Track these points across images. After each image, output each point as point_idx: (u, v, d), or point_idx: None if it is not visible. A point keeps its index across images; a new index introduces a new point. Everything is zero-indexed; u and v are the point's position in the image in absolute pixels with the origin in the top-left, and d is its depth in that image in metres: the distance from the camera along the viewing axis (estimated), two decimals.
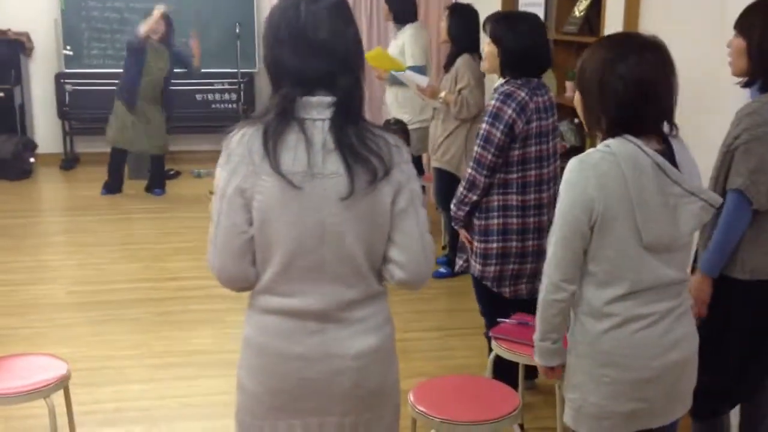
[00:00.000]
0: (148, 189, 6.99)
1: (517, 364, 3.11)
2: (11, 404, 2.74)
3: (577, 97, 2.07)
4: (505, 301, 3.26)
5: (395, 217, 1.74)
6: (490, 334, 3.09)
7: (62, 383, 2.76)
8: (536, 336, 2.13)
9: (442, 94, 4.61)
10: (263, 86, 8.20)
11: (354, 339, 1.77)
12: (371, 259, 1.76)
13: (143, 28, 6.42)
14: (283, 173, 1.65)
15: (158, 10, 6.49)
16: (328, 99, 1.70)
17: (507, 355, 2.97)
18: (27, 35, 7.73)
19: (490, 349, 3.10)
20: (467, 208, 3.20)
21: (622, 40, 2.05)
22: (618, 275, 1.97)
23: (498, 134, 3.04)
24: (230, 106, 7.99)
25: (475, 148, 3.12)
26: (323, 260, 1.72)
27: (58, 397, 2.78)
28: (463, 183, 3.20)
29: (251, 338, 1.81)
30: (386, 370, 1.85)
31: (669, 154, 1.97)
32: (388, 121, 5.64)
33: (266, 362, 1.78)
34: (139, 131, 6.65)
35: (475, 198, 3.16)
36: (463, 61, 4.58)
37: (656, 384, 2.01)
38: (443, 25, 4.79)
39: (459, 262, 3.46)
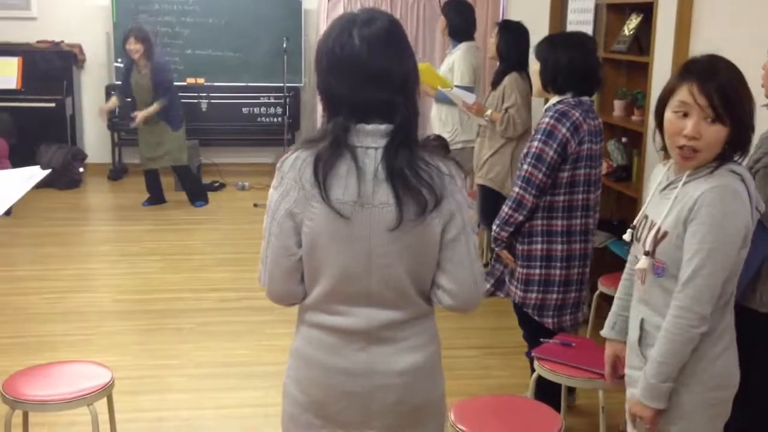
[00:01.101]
0: (191, 201, 7.08)
1: (559, 385, 3.06)
2: (55, 411, 2.79)
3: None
4: (547, 330, 3.19)
5: (445, 246, 1.73)
6: (533, 354, 3.05)
7: (106, 391, 2.79)
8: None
9: (488, 112, 4.58)
10: (308, 101, 8.28)
11: (399, 356, 1.77)
12: (419, 286, 1.76)
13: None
14: (332, 203, 1.65)
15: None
16: (383, 127, 1.68)
17: (550, 376, 2.93)
18: (79, 47, 7.91)
19: (533, 369, 3.05)
20: (511, 229, 3.12)
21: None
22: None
23: (551, 153, 2.99)
24: (275, 119, 8.06)
25: (524, 166, 3.05)
26: (370, 287, 1.72)
27: (101, 405, 2.82)
28: (508, 202, 3.13)
29: (299, 349, 1.83)
30: (431, 387, 1.84)
31: None
32: (428, 137, 5.61)
33: (312, 374, 1.80)
34: (150, 148, 6.76)
35: (520, 219, 3.09)
36: (510, 79, 4.55)
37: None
38: (492, 41, 4.75)
39: (486, 286, 3.40)
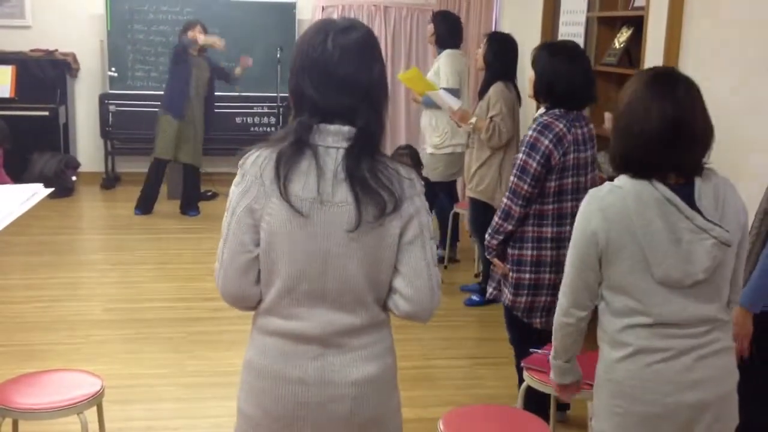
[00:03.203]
0: (183, 210, 7.07)
1: (548, 395, 3.07)
2: (45, 419, 2.77)
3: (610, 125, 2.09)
4: (535, 331, 3.24)
5: (402, 249, 1.74)
6: (523, 364, 3.07)
7: (96, 400, 2.79)
8: (551, 354, 2.24)
9: (473, 120, 4.62)
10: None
11: (353, 366, 1.76)
12: (375, 289, 1.76)
13: (200, 39, 6.61)
14: (291, 200, 1.67)
15: (220, 41, 6.77)
16: (346, 129, 1.71)
17: (539, 386, 2.94)
18: (73, 56, 7.92)
19: (521, 380, 3.07)
20: (501, 238, 3.19)
21: (661, 78, 2.00)
22: (633, 306, 1.98)
23: (534, 164, 3.04)
24: (269, 129, 8.07)
25: (512, 177, 3.11)
26: (325, 287, 1.72)
27: (91, 414, 2.81)
28: (498, 213, 3.20)
29: (252, 360, 1.82)
30: (385, 400, 1.83)
31: (687, 189, 1.94)
32: (399, 147, 5.64)
33: (264, 385, 1.78)
34: (187, 142, 6.80)
35: (510, 228, 3.15)
36: (496, 89, 4.59)
37: (668, 422, 1.97)
38: (480, 51, 4.82)
39: (489, 290, 3.45)
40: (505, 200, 3.15)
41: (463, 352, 4.34)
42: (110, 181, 8.05)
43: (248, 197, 1.71)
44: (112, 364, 4.01)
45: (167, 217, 6.97)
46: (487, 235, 3.26)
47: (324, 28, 1.73)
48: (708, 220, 1.91)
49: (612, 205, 1.96)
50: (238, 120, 8.10)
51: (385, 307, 1.81)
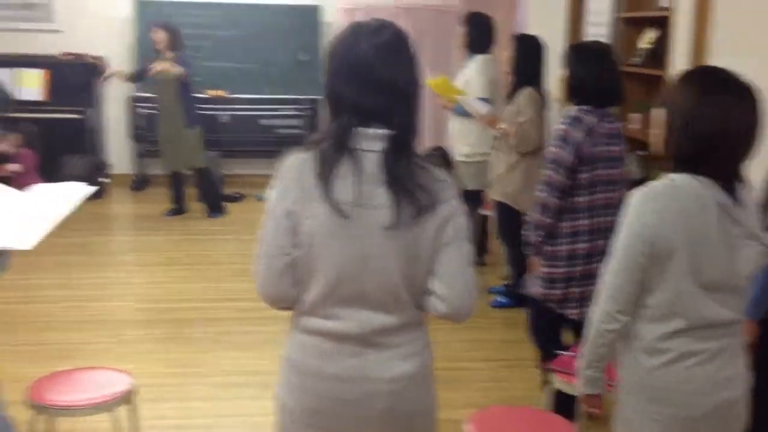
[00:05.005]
0: (207, 212, 7.14)
1: (574, 397, 3.08)
2: (77, 416, 2.83)
3: (657, 122, 2.03)
4: (558, 330, 3.26)
5: (439, 250, 1.77)
6: (549, 366, 3.08)
7: (127, 398, 2.84)
8: (582, 363, 2.13)
9: (502, 125, 4.59)
10: (326, 112, 8.34)
11: (390, 363, 1.80)
12: (412, 289, 1.79)
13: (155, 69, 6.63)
14: (331, 202, 1.70)
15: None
16: (383, 132, 1.73)
17: (566, 388, 2.95)
18: (103, 59, 8.03)
19: (545, 381, 3.08)
20: (542, 233, 3.21)
21: (718, 78, 1.95)
22: (674, 311, 1.95)
23: (566, 155, 3.08)
24: (294, 131, 8.13)
25: (545, 171, 3.16)
26: (364, 288, 1.76)
27: (123, 412, 2.87)
28: (535, 207, 3.23)
29: (290, 357, 1.87)
30: (422, 396, 1.87)
31: (732, 194, 1.93)
32: (430, 149, 5.59)
33: (303, 381, 1.83)
34: (166, 150, 6.83)
35: (548, 221, 3.18)
36: (525, 94, 4.53)
37: (706, 423, 1.98)
38: (507, 54, 4.76)
39: (533, 288, 3.41)
40: (540, 194, 3.19)
41: (488, 353, 4.35)
42: (140, 182, 8.16)
43: (287, 200, 1.74)
44: (142, 362, 4.08)
45: (196, 219, 7.04)
46: (527, 232, 3.29)
47: (356, 30, 1.76)
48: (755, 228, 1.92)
49: (668, 205, 1.90)
50: (262, 122, 8.16)
51: (421, 307, 1.83)
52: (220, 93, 8.02)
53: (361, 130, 1.73)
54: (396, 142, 1.73)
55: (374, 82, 1.72)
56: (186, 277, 5.52)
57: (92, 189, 2.41)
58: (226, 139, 8.04)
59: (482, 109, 4.78)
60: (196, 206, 7.22)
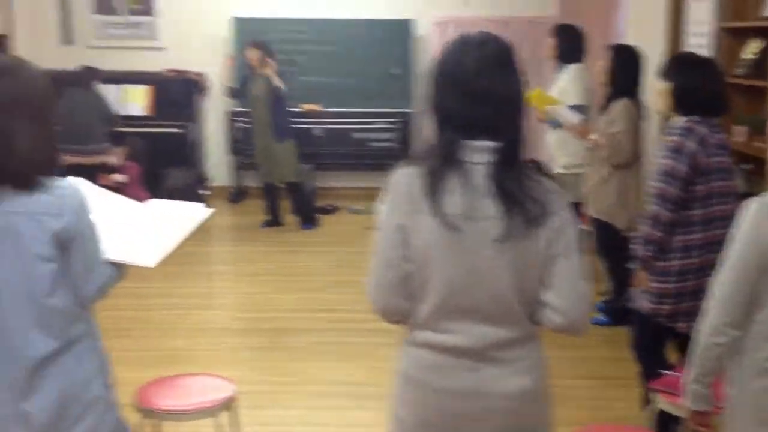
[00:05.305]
0: (300, 223, 7.27)
1: (677, 418, 2.99)
2: (183, 421, 2.92)
3: None
4: (662, 348, 3.17)
5: (551, 262, 1.75)
6: (652, 385, 3.00)
7: (230, 404, 2.92)
8: (689, 378, 2.08)
9: (593, 136, 4.51)
10: (418, 125, 8.38)
11: (508, 378, 1.79)
12: (524, 301, 1.78)
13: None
14: (442, 215, 1.71)
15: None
16: (490, 144, 1.74)
17: (669, 408, 2.87)
18: (204, 75, 8.32)
19: (647, 400, 3.01)
20: (653, 248, 3.13)
21: None
22: None
23: (682, 167, 3.00)
24: (386, 145, 8.20)
25: (656, 184, 3.08)
26: (477, 301, 1.76)
27: (224, 418, 2.95)
28: (646, 220, 3.15)
29: (404, 371, 1.87)
30: (538, 412, 1.86)
31: None
32: (525, 161, 5.50)
33: (420, 395, 1.83)
34: (261, 163, 7.02)
35: (659, 234, 3.10)
36: (619, 104, 4.43)
37: None
38: (602, 64, 4.69)
39: (640, 303, 3.33)
40: (651, 207, 3.11)
41: (589, 371, 4.26)
42: (237, 194, 8.39)
43: (397, 214, 1.77)
44: (241, 370, 4.17)
45: (291, 231, 7.17)
46: (636, 245, 3.20)
47: (462, 43, 1.79)
48: None
49: None
50: (355, 136, 8.25)
51: (534, 320, 1.82)
52: (314, 107, 8.16)
53: (469, 142, 1.74)
54: (504, 153, 1.74)
55: (481, 95, 1.74)
56: (281, 287, 5.64)
57: (210, 211, 2.50)
58: (320, 152, 8.17)
59: (574, 119, 4.71)
60: (290, 218, 7.37)
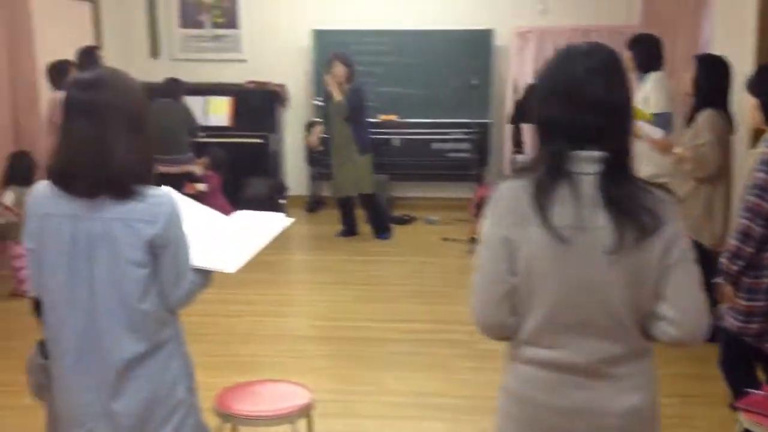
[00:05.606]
0: (374, 233, 7.30)
1: None
2: (260, 426, 2.96)
3: None
4: (751, 367, 3.08)
5: (666, 273, 1.70)
6: (737, 405, 2.90)
7: (306, 411, 2.95)
8: None
9: (677, 149, 4.38)
10: (496, 136, 8.34)
11: (620, 396, 1.75)
12: (636, 315, 1.73)
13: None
14: (551, 228, 1.68)
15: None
16: (597, 154, 1.71)
17: (755, 429, 2.76)
18: (284, 87, 8.47)
19: (737, 419, 2.90)
20: (742, 263, 3.04)
21: None
22: None
23: None
24: (464, 155, 8.18)
25: (749, 197, 2.99)
26: (588, 314, 1.71)
27: (301, 425, 2.97)
28: (735, 234, 3.07)
29: (510, 388, 1.84)
30: (648, 431, 1.81)
31: None
32: None
33: (530, 414, 1.79)
34: (337, 174, 7.08)
35: (749, 250, 3.01)
36: (705, 116, 4.29)
37: None
38: (688, 75, 4.57)
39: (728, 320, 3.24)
40: (742, 220, 3.03)
41: (672, 389, 4.13)
42: (314, 204, 8.50)
43: (503, 227, 1.74)
44: (315, 378, 4.21)
45: (366, 240, 7.23)
46: (724, 260, 3.11)
47: (569, 53, 1.77)
48: None
49: None
50: (433, 146, 8.27)
51: (645, 335, 1.77)
52: (392, 117, 8.21)
53: (576, 153, 1.72)
54: (613, 163, 1.71)
55: (588, 105, 1.71)
56: (357, 296, 5.67)
57: (290, 220, 2.54)
58: (397, 162, 8.22)
59: (655, 134, 4.59)
60: (366, 228, 7.42)
